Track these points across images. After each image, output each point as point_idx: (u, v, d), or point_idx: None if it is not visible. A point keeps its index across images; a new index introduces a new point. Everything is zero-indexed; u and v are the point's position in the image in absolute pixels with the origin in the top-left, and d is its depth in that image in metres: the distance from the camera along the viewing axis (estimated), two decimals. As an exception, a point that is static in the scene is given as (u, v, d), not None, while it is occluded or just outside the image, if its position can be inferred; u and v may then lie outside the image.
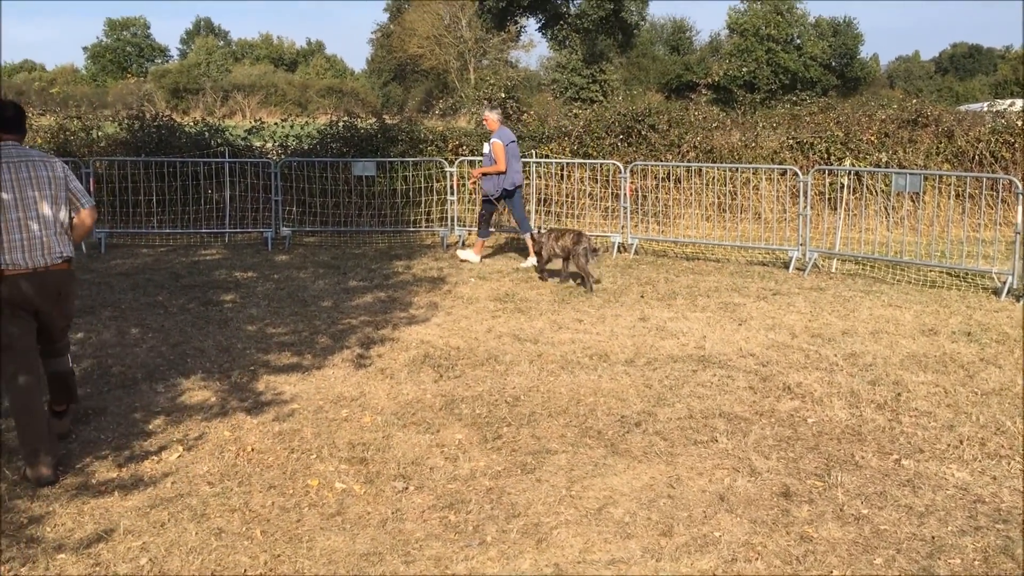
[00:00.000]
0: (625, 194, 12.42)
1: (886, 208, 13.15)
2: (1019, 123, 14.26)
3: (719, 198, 12.85)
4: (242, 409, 5.89)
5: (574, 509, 4.48)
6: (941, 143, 14.11)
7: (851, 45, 66.96)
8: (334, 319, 8.30)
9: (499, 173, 10.95)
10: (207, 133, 14.83)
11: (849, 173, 12.56)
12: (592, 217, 13.47)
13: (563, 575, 3.89)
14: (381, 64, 73.87)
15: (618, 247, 12.29)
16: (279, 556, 4.05)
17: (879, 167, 13.31)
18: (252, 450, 5.22)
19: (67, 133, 14.89)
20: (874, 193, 13.21)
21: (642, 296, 9.42)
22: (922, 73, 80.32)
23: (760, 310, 8.74)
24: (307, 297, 9.27)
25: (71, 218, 5.15)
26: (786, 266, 11.03)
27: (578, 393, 6.23)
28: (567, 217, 13.46)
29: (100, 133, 15.20)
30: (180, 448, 5.24)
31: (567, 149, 14.31)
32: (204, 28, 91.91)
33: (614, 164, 12.95)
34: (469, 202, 13.74)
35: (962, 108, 21.17)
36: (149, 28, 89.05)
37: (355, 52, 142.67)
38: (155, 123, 14.98)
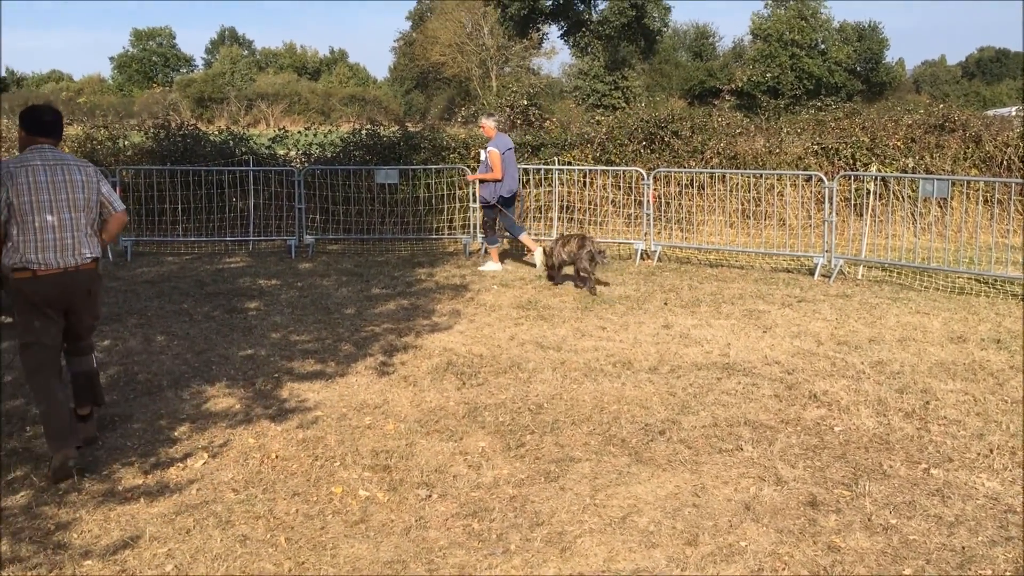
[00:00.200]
0: (648, 201, 12.38)
1: (913, 214, 13.03)
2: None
3: (743, 204, 12.78)
4: (266, 416, 5.92)
5: (598, 518, 4.45)
6: (969, 148, 13.95)
7: (876, 50, 66.58)
8: (357, 326, 8.33)
9: (495, 181, 11.11)
10: (231, 142, 14.96)
11: (875, 179, 12.45)
12: (615, 224, 13.44)
13: (587, 584, 3.87)
14: (403, 72, 74.31)
15: (641, 254, 12.25)
16: (303, 563, 4.05)
17: (905, 172, 13.19)
18: (276, 457, 5.24)
19: (94, 142, 15.08)
20: (901, 199, 13.09)
21: (665, 303, 9.37)
22: (949, 77, 79.71)
23: (785, 317, 8.68)
24: (330, 305, 9.30)
25: (102, 221, 5.34)
26: (811, 273, 10.94)
27: (601, 401, 6.20)
28: (589, 224, 13.43)
29: (127, 142, 15.37)
30: (205, 455, 5.26)
31: (589, 156, 14.29)
32: (229, 38, 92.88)
33: (637, 171, 12.91)
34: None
35: (990, 112, 20.93)
36: (174, 38, 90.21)
37: (378, 60, 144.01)
38: (180, 132, 15.14)
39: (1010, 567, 3.93)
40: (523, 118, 16.80)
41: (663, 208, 13.07)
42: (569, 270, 10.29)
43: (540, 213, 13.77)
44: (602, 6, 55.04)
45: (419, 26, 70.44)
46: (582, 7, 56.81)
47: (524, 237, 11.61)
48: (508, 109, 17.43)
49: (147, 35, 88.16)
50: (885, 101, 38.86)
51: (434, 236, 13.65)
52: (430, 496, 4.73)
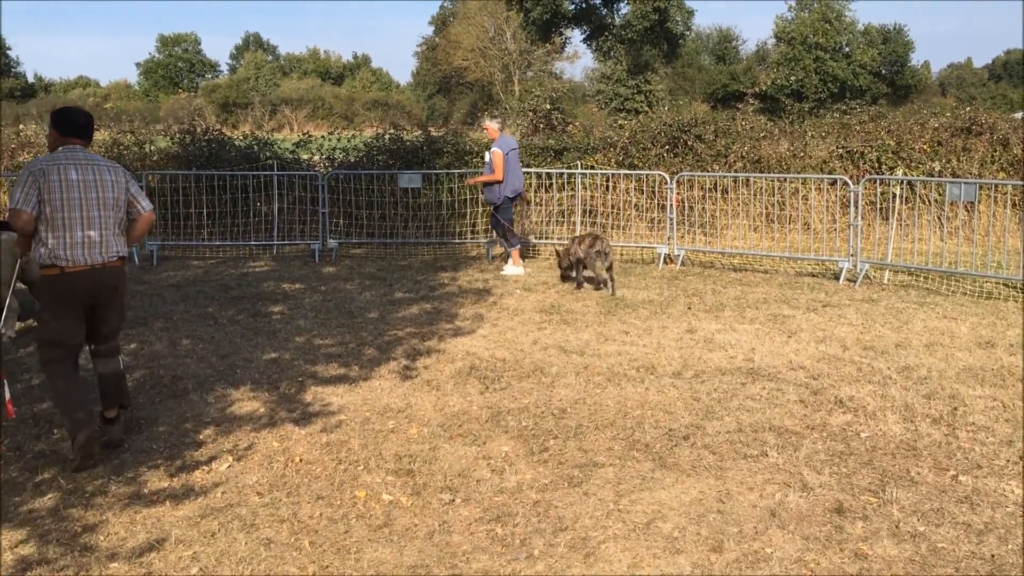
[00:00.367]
0: (671, 205, 12.34)
1: (939, 218, 12.89)
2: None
3: (767, 208, 12.70)
4: (290, 420, 5.94)
5: (622, 523, 4.43)
6: (996, 151, 13.80)
7: (901, 53, 66.00)
8: (380, 331, 8.35)
9: (496, 182, 11.18)
10: (256, 147, 15.08)
11: (901, 182, 12.34)
12: (638, 228, 13.40)
13: (611, 590, 3.85)
14: (426, 77, 74.58)
15: (664, 258, 12.20)
16: (327, 567, 4.06)
17: (932, 176, 13.07)
18: (300, 461, 5.26)
19: (121, 147, 15.24)
20: (927, 203, 12.96)
21: (689, 308, 9.33)
22: (975, 80, 78.91)
23: (810, 322, 8.61)
24: (354, 309, 9.34)
25: (130, 220, 5.44)
26: (836, 277, 10.86)
27: (625, 406, 6.18)
28: (612, 228, 13.40)
29: (153, 147, 15.53)
30: (230, 458, 5.29)
31: (612, 160, 14.27)
32: (253, 43, 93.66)
33: (660, 175, 12.87)
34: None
35: (1017, 115, 20.68)
36: (200, 44, 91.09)
37: (401, 65, 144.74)
38: (205, 137, 15.27)
39: (1041, 576, 3.87)
40: (546, 122, 16.81)
41: (686, 212, 13.02)
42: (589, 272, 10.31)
43: (563, 217, 13.77)
44: (625, 10, 54.90)
45: (442, 31, 70.68)
46: (605, 11, 56.67)
47: (515, 251, 11.60)
48: (531, 113, 17.45)
49: (173, 41, 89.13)
50: (911, 104, 38.51)
51: (457, 240, 13.68)
52: (453, 500, 4.73)
